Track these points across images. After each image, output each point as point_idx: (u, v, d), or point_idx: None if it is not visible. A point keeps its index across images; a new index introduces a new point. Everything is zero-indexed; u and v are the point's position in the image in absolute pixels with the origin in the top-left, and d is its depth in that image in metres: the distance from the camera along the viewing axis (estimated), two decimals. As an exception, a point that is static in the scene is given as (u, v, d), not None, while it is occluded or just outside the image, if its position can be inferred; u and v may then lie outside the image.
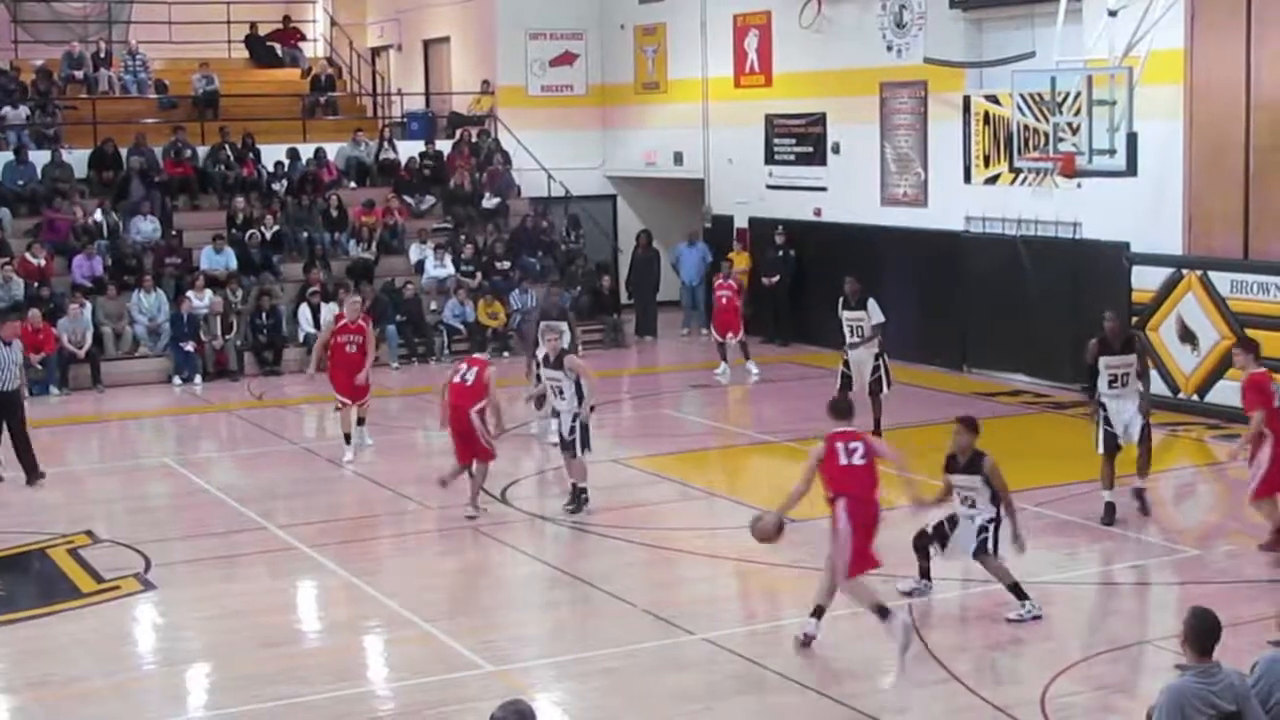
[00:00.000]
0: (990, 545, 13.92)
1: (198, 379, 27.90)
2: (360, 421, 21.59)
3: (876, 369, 21.12)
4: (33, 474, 19.84)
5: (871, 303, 21.26)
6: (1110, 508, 17.19)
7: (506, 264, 31.74)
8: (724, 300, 27.58)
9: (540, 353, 18.63)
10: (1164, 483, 19.10)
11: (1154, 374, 20.14)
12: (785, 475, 18.08)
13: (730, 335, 27.34)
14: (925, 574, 14.69)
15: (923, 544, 14.54)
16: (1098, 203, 24.16)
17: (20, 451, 19.90)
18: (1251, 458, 15.79)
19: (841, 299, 21.55)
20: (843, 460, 13.25)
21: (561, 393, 17.92)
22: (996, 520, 13.95)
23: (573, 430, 17.78)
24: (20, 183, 30.78)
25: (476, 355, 18.86)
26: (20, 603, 15.36)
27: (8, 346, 19.92)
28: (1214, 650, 8.54)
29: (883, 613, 13.07)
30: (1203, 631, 8.57)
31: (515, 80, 35.67)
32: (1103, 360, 17.23)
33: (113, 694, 12.82)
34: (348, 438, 21.21)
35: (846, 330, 21.54)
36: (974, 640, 13.88)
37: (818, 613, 13.30)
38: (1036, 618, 13.83)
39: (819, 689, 12.26)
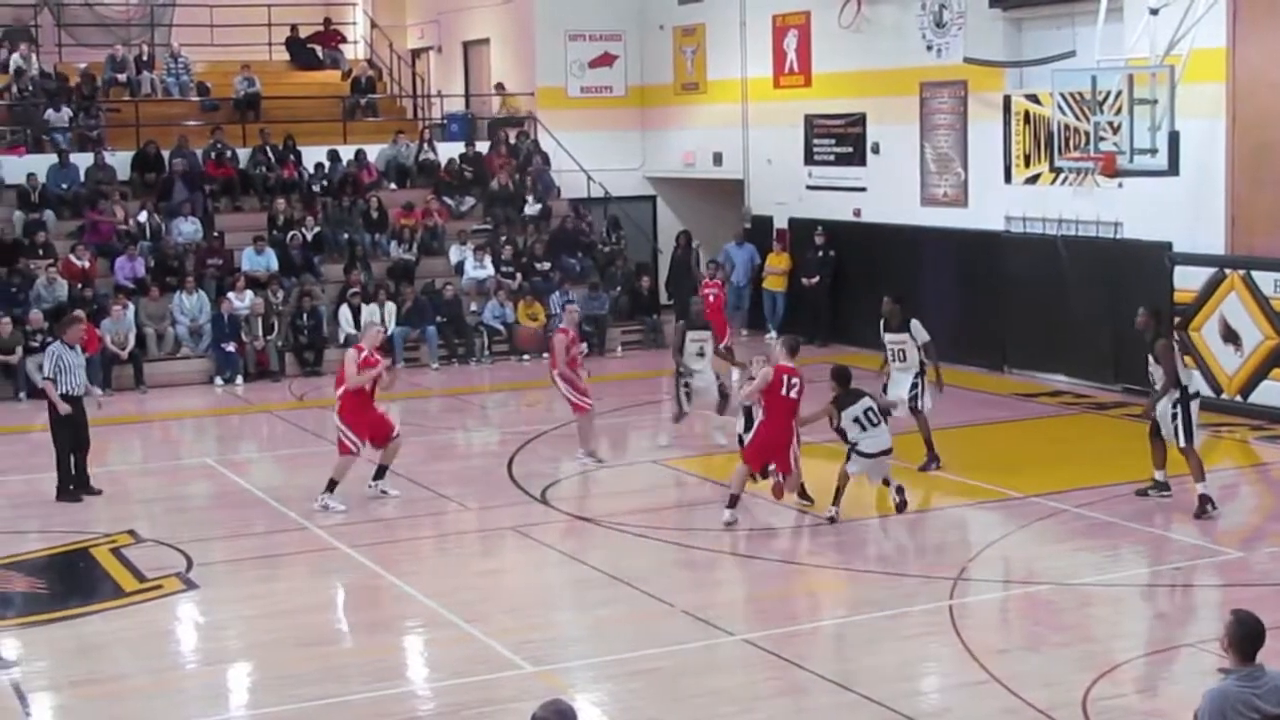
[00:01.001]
0: None
1: (239, 380, 28.01)
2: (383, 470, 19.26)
3: (914, 387, 19.98)
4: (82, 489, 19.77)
5: (915, 324, 20.06)
6: (1155, 485, 17.99)
7: (546, 265, 31.79)
8: (711, 299, 26.24)
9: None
10: (1207, 484, 19.01)
11: (1196, 374, 20.09)
12: (826, 477, 18.12)
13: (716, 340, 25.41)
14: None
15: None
16: (1139, 202, 24.07)
17: (82, 462, 19.77)
18: None
19: (882, 321, 20.45)
20: (783, 391, 17.23)
21: None
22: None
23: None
24: (64, 185, 30.94)
25: (787, 364, 17.77)
26: (64, 601, 15.45)
27: (71, 350, 19.50)
28: (1257, 654, 8.51)
29: (733, 501, 17.21)
30: (1246, 635, 8.51)
31: (555, 81, 35.69)
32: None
33: (155, 692, 12.87)
34: (332, 485, 18.65)
35: (889, 353, 20.31)
36: (1015, 642, 13.85)
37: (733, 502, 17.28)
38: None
39: (860, 691, 12.23)
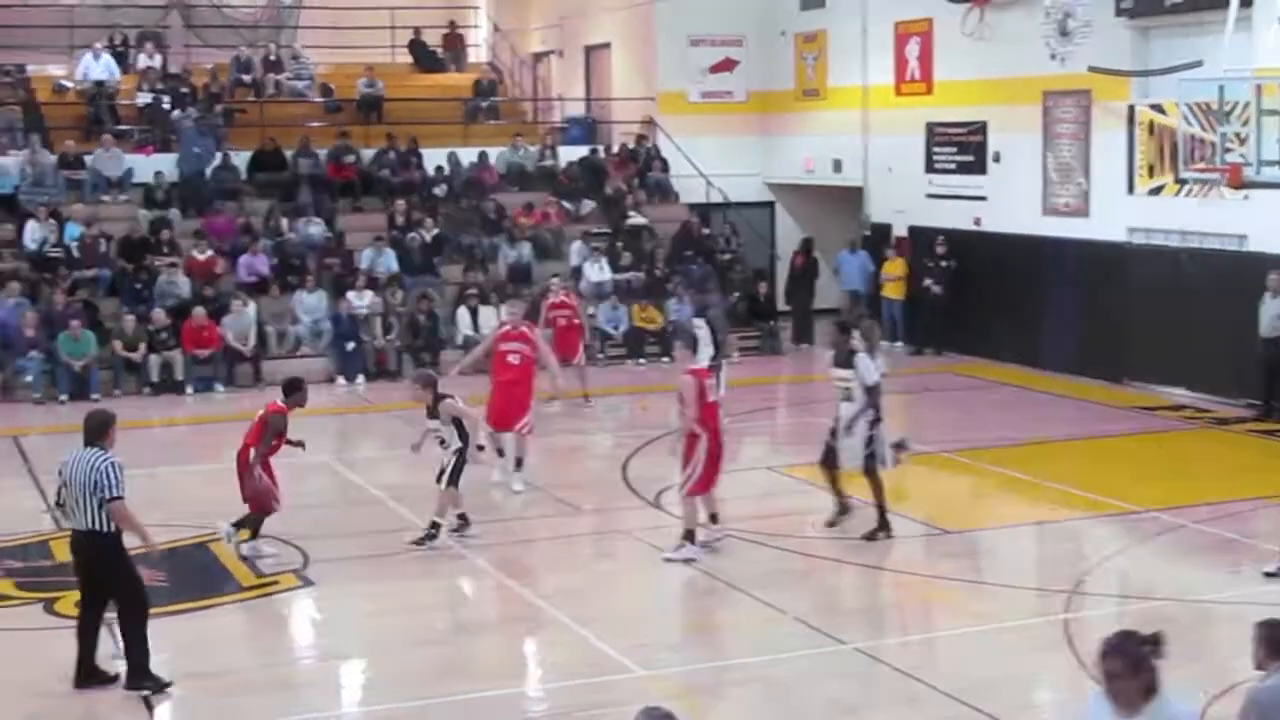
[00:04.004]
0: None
1: (360, 378, 28.24)
2: (519, 464, 19.81)
3: None
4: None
5: None
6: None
7: (665, 270, 31.80)
8: (562, 322, 25.94)
9: None
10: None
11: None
12: (942, 486, 18.04)
13: (570, 358, 25.33)
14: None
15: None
16: (1265, 215, 23.73)
17: None
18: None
19: None
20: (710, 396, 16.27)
21: None
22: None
23: None
24: (190, 185, 31.31)
25: None
26: (183, 594, 15.60)
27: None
28: None
29: (690, 536, 16.30)
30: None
31: (676, 86, 35.73)
32: None
33: (271, 687, 13.01)
34: (501, 452, 19.85)
35: None
36: (1131, 657, 13.67)
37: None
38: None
39: (972, 703, 12.14)
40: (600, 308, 30.34)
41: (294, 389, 17.00)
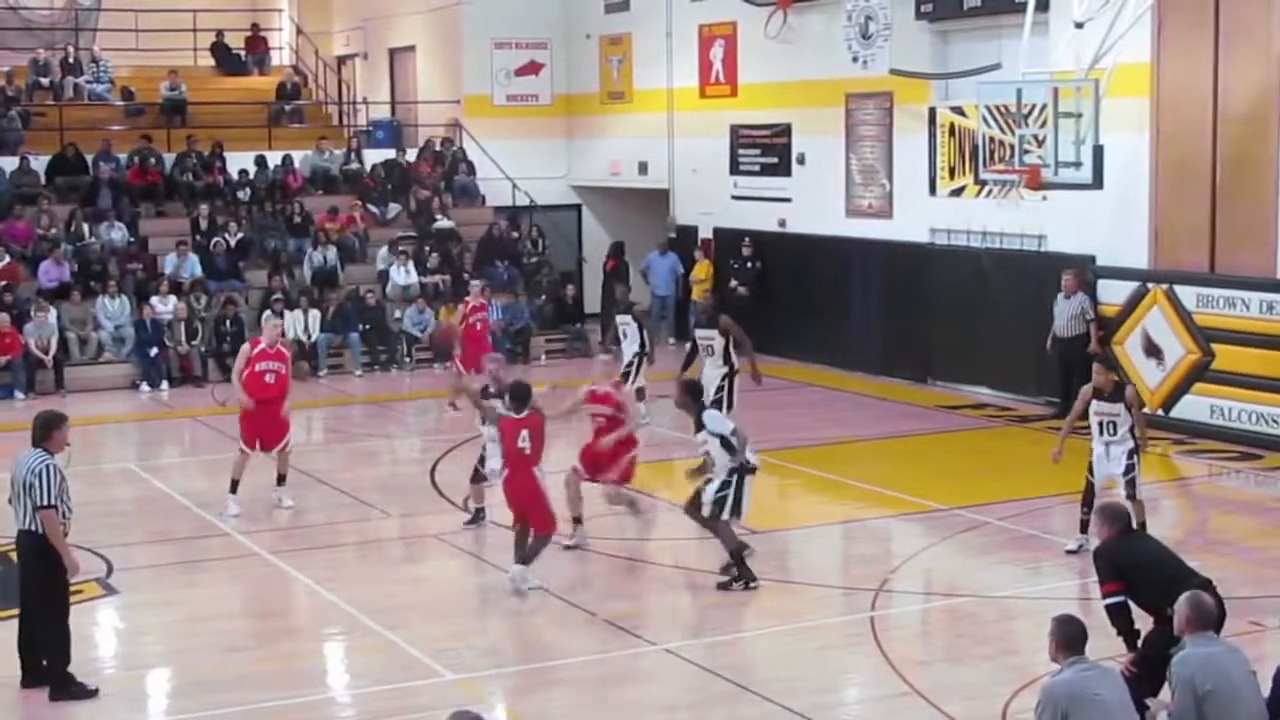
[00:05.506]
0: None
1: (163, 384, 27.83)
2: (281, 479, 18.87)
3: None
4: None
5: (1130, 390, 16.40)
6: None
7: (473, 273, 31.68)
8: (479, 326, 25.47)
9: None
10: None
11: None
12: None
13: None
14: None
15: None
16: (1063, 215, 24.18)
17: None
18: None
19: (1092, 389, 16.30)
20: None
21: None
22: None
23: None
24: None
25: None
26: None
27: None
28: (1084, 648, 9.52)
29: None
30: (1076, 634, 9.59)
31: (481, 89, 35.63)
32: None
33: (74, 696, 12.72)
34: (234, 485, 18.60)
35: (1098, 425, 16.24)
36: (936, 654, 13.89)
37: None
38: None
39: (779, 701, 12.23)
40: (407, 311, 30.16)
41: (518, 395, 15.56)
